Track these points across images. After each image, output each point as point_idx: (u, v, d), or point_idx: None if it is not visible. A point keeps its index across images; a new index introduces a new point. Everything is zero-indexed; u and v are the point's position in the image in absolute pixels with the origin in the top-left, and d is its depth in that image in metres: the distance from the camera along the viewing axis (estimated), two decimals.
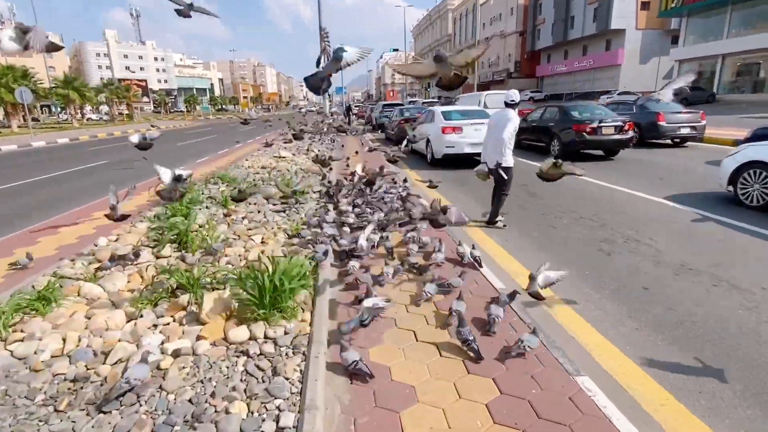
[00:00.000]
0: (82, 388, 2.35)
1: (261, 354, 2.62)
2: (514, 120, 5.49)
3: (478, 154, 10.67)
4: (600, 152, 11.75)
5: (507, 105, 5.62)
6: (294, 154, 12.40)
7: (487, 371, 2.57)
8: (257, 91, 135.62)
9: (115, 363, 2.53)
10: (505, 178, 5.69)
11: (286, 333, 2.84)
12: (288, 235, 4.92)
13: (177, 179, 4.36)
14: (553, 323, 3.42)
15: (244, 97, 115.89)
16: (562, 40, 48.07)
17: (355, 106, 46.90)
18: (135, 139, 6.51)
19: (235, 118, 60.02)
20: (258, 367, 2.48)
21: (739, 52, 30.33)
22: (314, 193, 7.12)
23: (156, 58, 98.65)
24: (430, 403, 2.28)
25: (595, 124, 10.79)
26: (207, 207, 6.16)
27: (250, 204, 6.22)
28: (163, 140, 23.84)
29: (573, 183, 8.63)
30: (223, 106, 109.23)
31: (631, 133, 11.19)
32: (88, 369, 2.51)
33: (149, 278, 3.68)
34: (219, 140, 21.73)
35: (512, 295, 3.38)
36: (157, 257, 4.25)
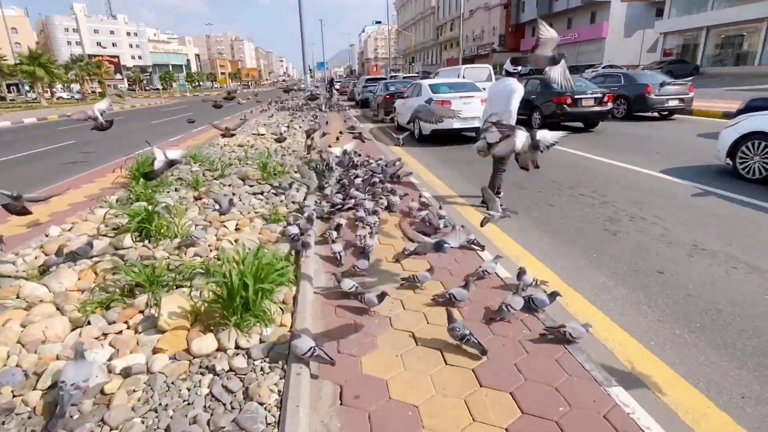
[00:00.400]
0: (3, 423, 1.87)
1: (230, 370, 2.16)
2: (518, 90, 5.11)
3: (469, 129, 10.32)
4: (580, 124, 11.69)
5: (508, 74, 5.25)
6: (273, 132, 11.73)
7: (503, 383, 2.17)
8: (235, 67, 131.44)
9: (48, 389, 2.05)
10: None
11: (261, 341, 2.38)
12: (266, 220, 4.42)
13: (171, 164, 4.15)
14: (567, 317, 3.05)
15: (222, 73, 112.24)
16: (546, 13, 47.14)
17: (337, 82, 45.52)
18: (96, 111, 5.82)
19: (215, 95, 58.00)
20: (226, 388, 2.02)
21: (722, 24, 30.14)
22: (296, 172, 6.58)
23: (129, 33, 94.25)
24: (439, 430, 1.87)
25: (575, 96, 10.81)
26: (176, 189, 5.59)
27: (224, 186, 5.66)
28: (136, 118, 23.09)
29: (566, 157, 8.30)
30: (201, 83, 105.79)
31: (610, 105, 11.34)
32: (14, 396, 2.03)
33: (102, 275, 3.17)
34: (195, 118, 20.71)
35: (553, 295, 2.89)
36: (116, 249, 3.73)
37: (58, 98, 54.92)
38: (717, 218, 4.87)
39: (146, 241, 3.84)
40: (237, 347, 2.33)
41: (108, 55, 75.22)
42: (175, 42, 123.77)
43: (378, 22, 65.46)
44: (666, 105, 12.31)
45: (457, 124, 10.05)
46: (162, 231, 3.90)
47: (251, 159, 7.43)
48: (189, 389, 2.04)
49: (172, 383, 2.07)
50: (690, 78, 15.80)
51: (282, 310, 2.71)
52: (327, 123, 13.44)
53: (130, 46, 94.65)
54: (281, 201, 5.07)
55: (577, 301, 3.24)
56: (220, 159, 7.65)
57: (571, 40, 45.40)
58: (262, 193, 5.38)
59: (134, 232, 3.86)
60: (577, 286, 3.47)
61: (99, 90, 58.12)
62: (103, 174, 7.05)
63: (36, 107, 35.71)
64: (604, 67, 36.22)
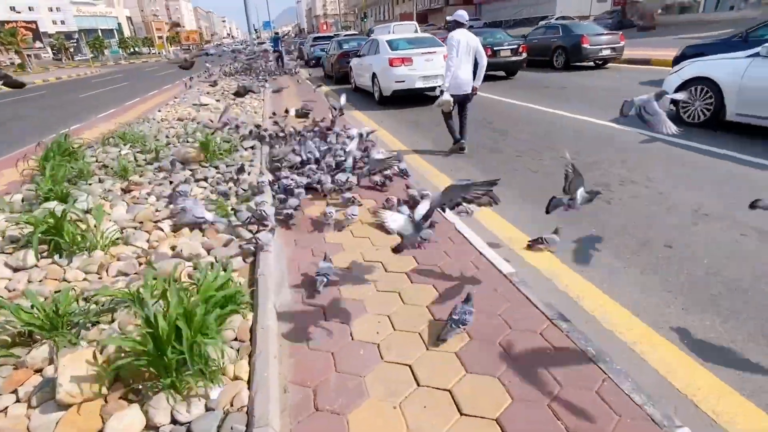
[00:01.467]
0: None
1: None
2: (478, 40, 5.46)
3: (431, 89, 9.60)
4: (502, 73, 12.89)
5: (460, 25, 5.39)
6: (218, 100, 10.55)
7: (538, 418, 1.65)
8: (174, 30, 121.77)
9: None
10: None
11: (208, 409, 1.74)
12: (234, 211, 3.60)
13: None
14: (581, 313, 2.57)
15: (159, 37, 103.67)
16: None
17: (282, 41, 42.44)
18: None
19: (154, 62, 53.19)
20: None
21: None
22: (246, 150, 5.73)
23: None
24: None
25: (494, 48, 12.01)
26: (100, 180, 4.66)
27: (160, 172, 4.76)
28: (62, 91, 20.64)
29: (534, 115, 7.87)
30: (136, 49, 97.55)
31: (524, 55, 12.62)
32: None
33: None
34: (130, 89, 18.75)
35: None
36: (15, 270, 2.90)
37: None
38: (711, 176, 4.55)
39: (57, 256, 3.02)
40: (174, 422, 1.68)
41: (23, 21, 67.20)
42: (101, 3, 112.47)
43: None
44: (600, 54, 12.91)
45: (419, 83, 9.35)
46: (77, 241, 3.08)
47: (192, 136, 6.47)
48: None
49: None
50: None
51: (236, 350, 2.06)
52: (280, 90, 12.29)
53: (50, 9, 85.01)
54: (230, 188, 4.26)
55: (590, 294, 2.77)
56: (155, 137, 6.63)
57: None
58: (205, 179, 4.53)
59: (39, 246, 3.02)
60: (585, 268, 3.01)
61: (18, 61, 52.11)
62: (12, 164, 5.91)
63: None
64: (557, 19, 35.94)
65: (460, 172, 5.16)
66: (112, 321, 2.30)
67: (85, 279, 2.78)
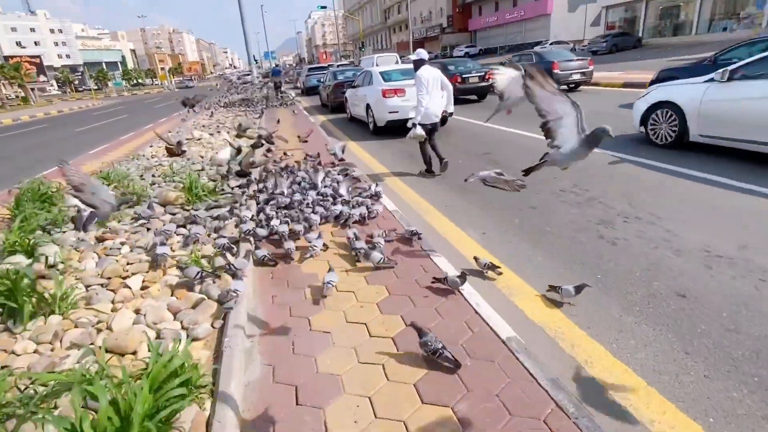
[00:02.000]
0: None
1: None
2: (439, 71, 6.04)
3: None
4: (474, 97, 14.10)
5: (422, 62, 5.95)
6: (212, 134, 10.43)
7: None
8: (176, 61, 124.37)
9: None
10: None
11: None
12: (182, 269, 3.28)
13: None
14: (591, 385, 2.27)
15: (162, 68, 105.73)
16: None
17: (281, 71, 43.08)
18: None
19: (156, 93, 53.76)
20: None
21: None
22: (233, 189, 5.51)
23: (52, 30, 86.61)
24: None
25: (462, 76, 13.33)
26: (75, 228, 4.41)
27: (137, 218, 4.52)
28: (59, 125, 20.73)
29: (517, 140, 7.75)
30: (139, 81, 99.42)
31: (491, 81, 13.10)
32: None
33: None
34: (128, 122, 18.82)
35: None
36: None
37: None
38: (624, 179, 5.13)
39: (12, 322, 2.74)
40: None
41: (28, 56, 68.47)
42: (106, 37, 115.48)
43: (323, 7, 63.11)
44: (570, 78, 13.82)
45: (412, 114, 9.21)
46: (34, 306, 2.81)
47: (179, 173, 6.27)
48: None
49: None
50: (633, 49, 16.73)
51: None
52: (278, 122, 12.22)
53: (56, 44, 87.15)
54: (209, 235, 4.01)
55: (603, 362, 2.46)
56: (141, 176, 6.43)
57: (517, 18, 45.46)
58: (185, 225, 4.27)
59: None
60: (596, 329, 2.71)
61: (22, 95, 52.91)
62: None
63: None
64: (551, 44, 36.54)
65: (452, 210, 4.91)
66: (55, 408, 2.01)
67: (36, 351, 2.50)
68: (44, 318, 2.76)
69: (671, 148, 6.28)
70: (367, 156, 8.05)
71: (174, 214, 4.58)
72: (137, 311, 2.77)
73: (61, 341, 2.53)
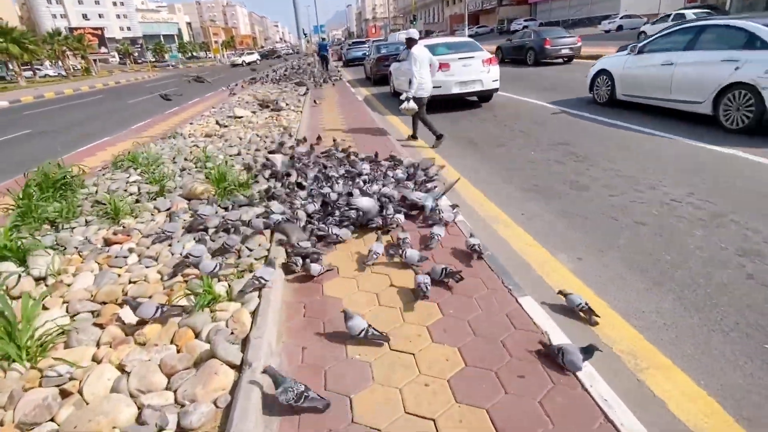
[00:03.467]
0: None
1: None
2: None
3: (470, 94, 8.56)
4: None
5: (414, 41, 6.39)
6: (254, 112, 9.77)
7: None
8: (229, 34, 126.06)
9: None
10: None
11: None
12: (132, 306, 2.37)
13: None
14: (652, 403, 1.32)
15: (215, 41, 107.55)
16: None
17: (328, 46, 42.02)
18: None
19: (209, 66, 54.00)
20: None
21: None
22: (267, 179, 4.75)
23: (115, 3, 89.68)
24: None
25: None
26: (87, 223, 3.80)
27: (153, 215, 3.83)
28: (114, 97, 21.00)
29: (607, 132, 6.51)
30: (194, 53, 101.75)
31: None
32: None
33: None
34: (173, 95, 18.67)
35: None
36: None
37: (44, 76, 52.05)
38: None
39: None
40: None
41: (91, 28, 71.11)
42: (164, 10, 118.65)
43: None
44: (560, 53, 16.05)
45: (456, 89, 8.66)
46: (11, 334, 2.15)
47: (213, 159, 5.59)
48: None
49: None
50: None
51: None
52: (315, 102, 11.40)
53: (118, 16, 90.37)
54: (235, 252, 3.22)
55: (647, 356, 1.50)
56: (173, 160, 5.81)
57: None
58: (206, 230, 3.49)
59: None
60: (635, 319, 1.73)
61: (85, 65, 55.17)
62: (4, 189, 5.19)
63: (11, 88, 33.39)
64: (621, 18, 33.28)
65: (531, 221, 3.89)
66: None
67: None
68: (7, 365, 2.09)
69: (607, 106, 7.92)
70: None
71: (194, 213, 3.81)
72: (121, 367, 2.04)
73: (15, 409, 1.84)
